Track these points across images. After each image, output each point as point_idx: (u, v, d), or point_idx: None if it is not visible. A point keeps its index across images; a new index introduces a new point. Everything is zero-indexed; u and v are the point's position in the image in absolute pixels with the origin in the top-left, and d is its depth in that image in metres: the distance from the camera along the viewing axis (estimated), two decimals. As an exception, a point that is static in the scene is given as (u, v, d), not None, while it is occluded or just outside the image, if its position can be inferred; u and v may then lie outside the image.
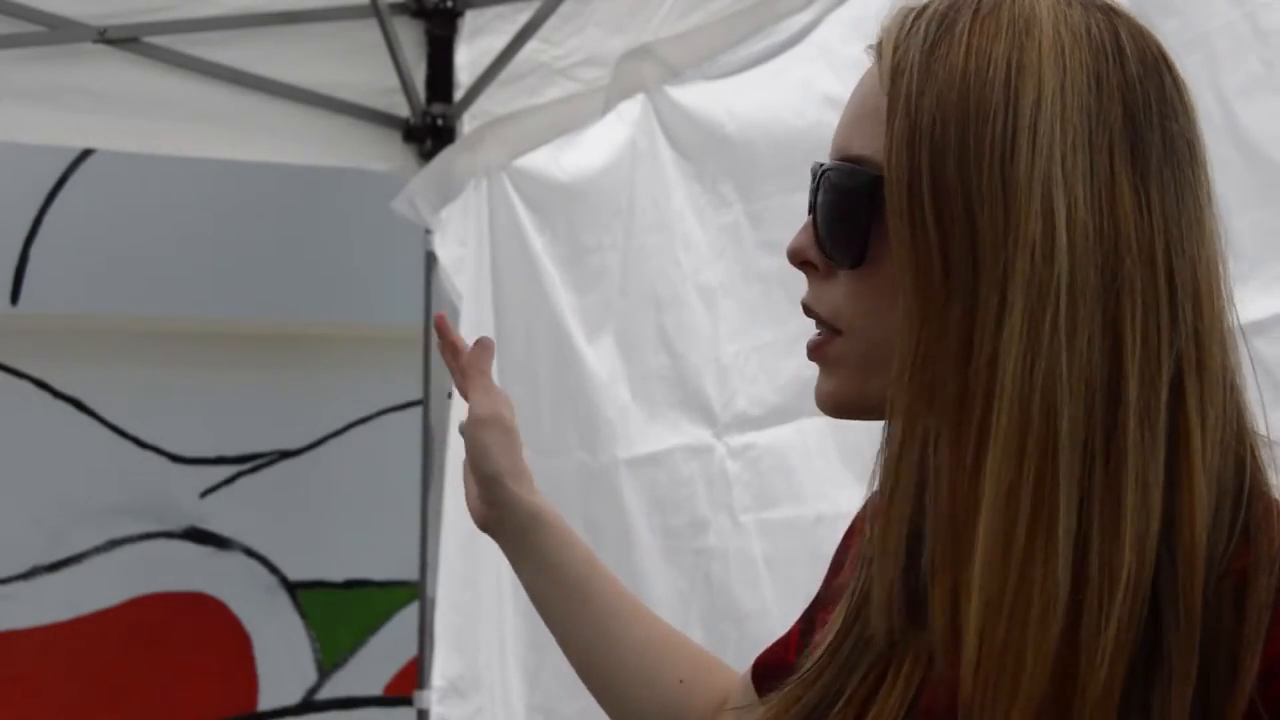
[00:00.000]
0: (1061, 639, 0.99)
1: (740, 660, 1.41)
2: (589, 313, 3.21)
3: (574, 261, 3.26)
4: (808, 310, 1.13)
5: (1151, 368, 1.01)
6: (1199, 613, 0.99)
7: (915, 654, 1.10)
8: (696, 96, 2.89)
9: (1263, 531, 1.02)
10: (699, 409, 2.93)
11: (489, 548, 3.60)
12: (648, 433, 3.06)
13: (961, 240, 1.02)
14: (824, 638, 1.17)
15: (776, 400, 2.74)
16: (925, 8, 1.08)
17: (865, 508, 1.21)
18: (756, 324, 2.77)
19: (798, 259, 1.12)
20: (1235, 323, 1.06)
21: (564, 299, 3.27)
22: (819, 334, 1.12)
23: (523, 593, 1.54)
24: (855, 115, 1.11)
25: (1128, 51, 1.05)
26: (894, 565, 1.08)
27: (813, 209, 1.12)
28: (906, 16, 1.08)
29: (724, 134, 2.83)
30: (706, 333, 2.89)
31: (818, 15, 2.63)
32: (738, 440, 2.81)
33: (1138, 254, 1.01)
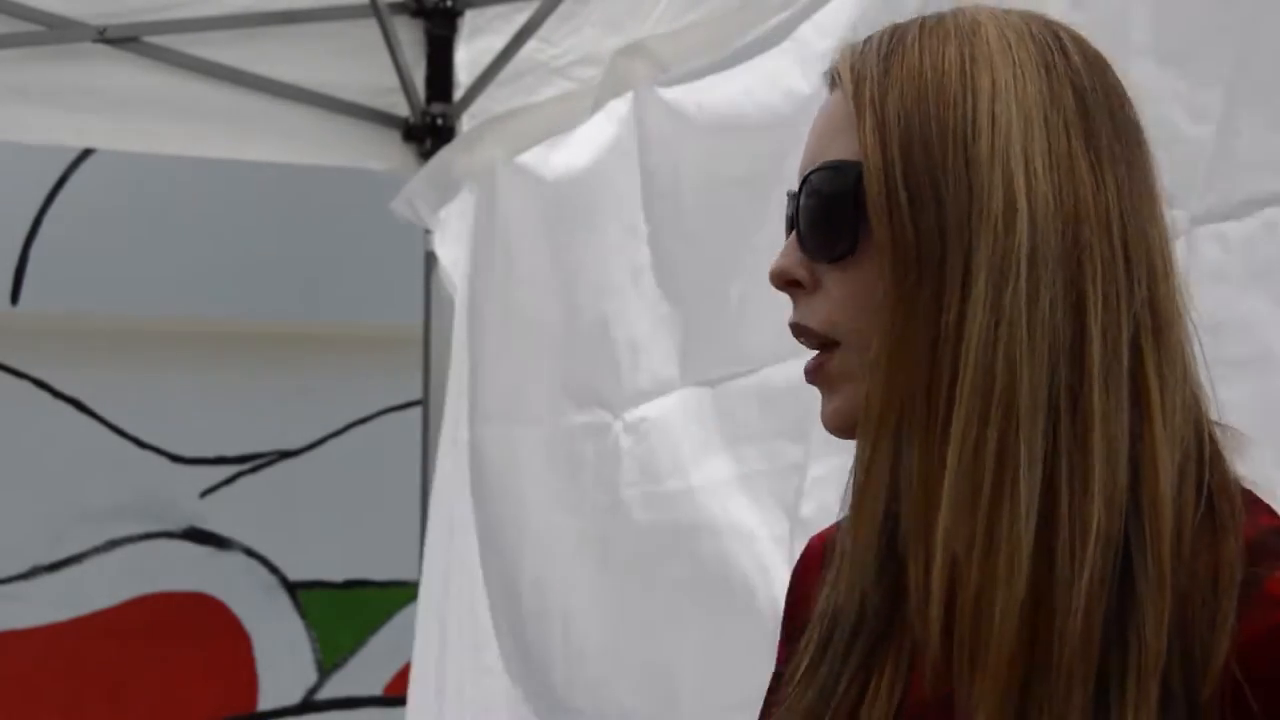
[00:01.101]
0: (1030, 592, 1.03)
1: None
2: (564, 309, 3.23)
3: (554, 258, 3.28)
4: (798, 329, 1.15)
5: (1113, 330, 1.06)
6: (1169, 560, 1.04)
7: (895, 662, 1.13)
8: (678, 94, 2.91)
9: (1224, 499, 1.07)
10: (609, 389, 3.01)
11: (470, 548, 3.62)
12: (559, 417, 3.15)
13: (930, 222, 1.07)
14: (795, 666, 1.18)
15: (668, 373, 2.82)
16: (872, 35, 1.15)
17: (823, 534, 1.26)
18: (670, 300, 2.85)
19: (783, 279, 1.15)
20: (1186, 307, 1.11)
21: (544, 296, 3.29)
22: (815, 355, 1.14)
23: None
24: (823, 131, 1.15)
25: (1069, 48, 1.12)
26: (866, 537, 1.12)
27: (793, 226, 1.15)
28: (856, 44, 1.15)
29: (692, 127, 2.86)
30: (631, 314, 2.95)
31: (803, 13, 2.63)
32: (633, 415, 2.89)
33: (1095, 222, 1.07)
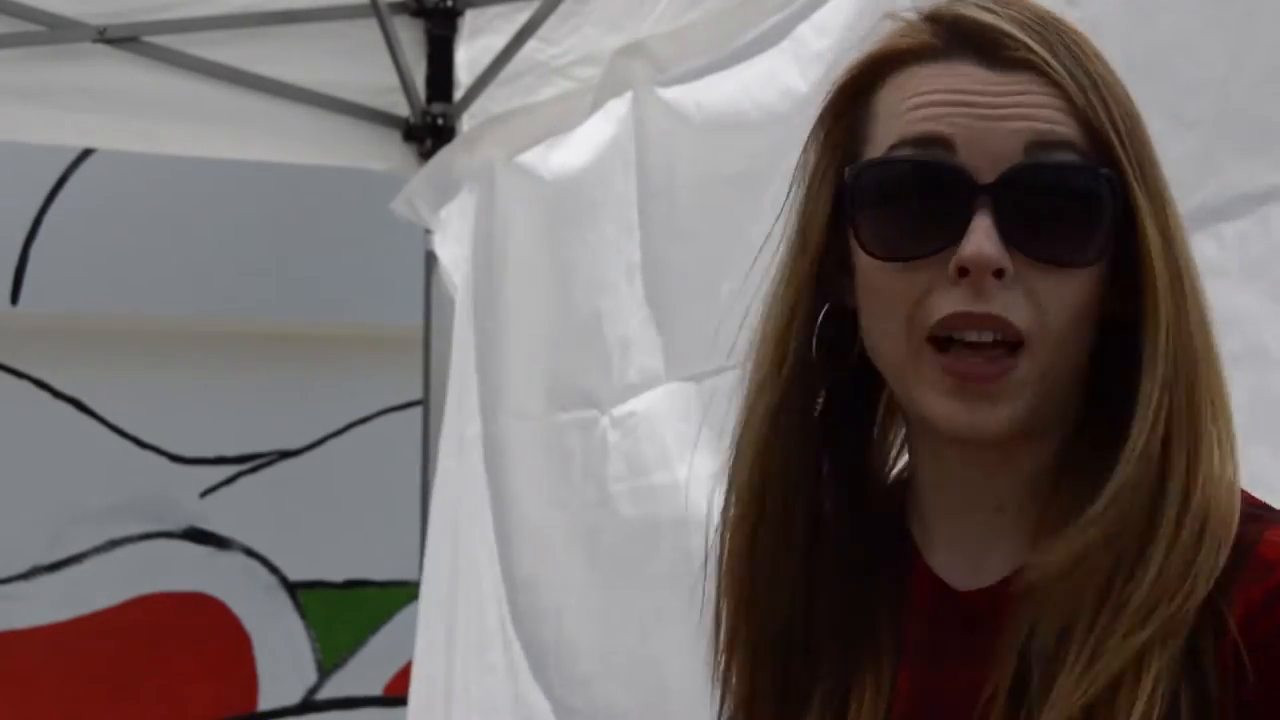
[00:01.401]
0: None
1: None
2: (560, 307, 3.25)
3: (552, 257, 3.29)
4: (987, 319, 1.08)
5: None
6: None
7: (876, 673, 1.14)
8: (677, 94, 2.92)
9: None
10: (600, 385, 3.03)
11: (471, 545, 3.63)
12: (553, 414, 3.17)
13: (1160, 241, 1.09)
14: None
15: (655, 368, 2.83)
16: (1011, 13, 1.11)
17: None
18: (658, 296, 2.85)
19: (991, 267, 1.08)
20: None
21: (542, 295, 3.30)
22: (990, 360, 1.09)
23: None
24: (1030, 104, 1.10)
25: None
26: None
27: (1006, 208, 1.09)
28: (997, 20, 1.11)
29: (690, 126, 2.86)
30: (624, 311, 2.96)
31: (801, 12, 2.64)
32: (620, 410, 2.90)
33: None
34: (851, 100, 1.16)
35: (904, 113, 1.11)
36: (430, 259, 3.90)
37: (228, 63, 3.77)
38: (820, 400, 1.18)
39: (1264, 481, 1.14)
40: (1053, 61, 1.08)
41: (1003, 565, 1.13)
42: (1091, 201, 1.08)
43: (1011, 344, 1.08)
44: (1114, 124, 1.08)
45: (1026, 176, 1.08)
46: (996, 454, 1.12)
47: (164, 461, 5.03)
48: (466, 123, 3.83)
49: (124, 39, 3.69)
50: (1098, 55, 1.12)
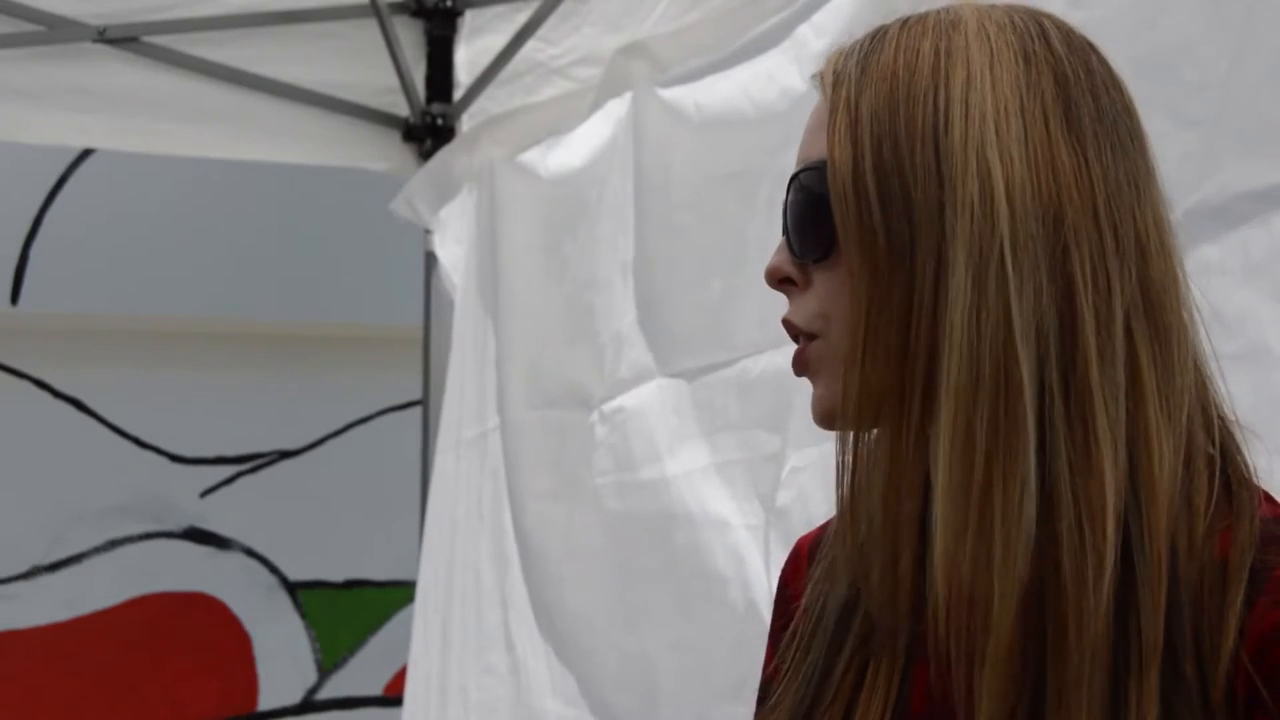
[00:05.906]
0: (1034, 574, 1.03)
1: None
2: (557, 305, 3.25)
3: (550, 256, 3.30)
4: (786, 324, 1.16)
5: (1105, 312, 1.05)
6: (1165, 548, 1.03)
7: (891, 660, 1.13)
8: (677, 94, 2.93)
9: (1243, 488, 1.07)
10: (592, 381, 3.03)
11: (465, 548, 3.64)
12: (548, 410, 3.18)
13: (898, 217, 1.07)
14: (780, 666, 1.19)
15: (645, 363, 2.84)
16: (861, 37, 1.15)
17: (809, 536, 1.28)
18: (650, 292, 2.86)
19: (777, 277, 1.16)
20: (1187, 291, 1.11)
21: (541, 294, 3.31)
22: (798, 347, 1.16)
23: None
24: (811, 131, 1.16)
25: (1052, 36, 1.11)
26: (849, 527, 1.13)
27: (785, 227, 1.17)
28: (845, 45, 1.16)
29: (689, 126, 2.87)
30: (618, 308, 2.97)
31: (801, 13, 2.64)
32: (610, 405, 2.91)
33: (1079, 207, 1.06)
34: None
35: None
36: (430, 259, 3.90)
37: (227, 63, 3.77)
38: None
39: (1265, 482, 1.14)
40: (828, 79, 1.14)
41: None
42: (811, 201, 1.13)
43: (811, 338, 1.14)
44: (852, 121, 1.10)
45: (787, 195, 1.16)
46: None
47: (164, 461, 5.04)
48: (466, 123, 3.83)
49: (124, 39, 3.69)
50: (888, 50, 1.12)
